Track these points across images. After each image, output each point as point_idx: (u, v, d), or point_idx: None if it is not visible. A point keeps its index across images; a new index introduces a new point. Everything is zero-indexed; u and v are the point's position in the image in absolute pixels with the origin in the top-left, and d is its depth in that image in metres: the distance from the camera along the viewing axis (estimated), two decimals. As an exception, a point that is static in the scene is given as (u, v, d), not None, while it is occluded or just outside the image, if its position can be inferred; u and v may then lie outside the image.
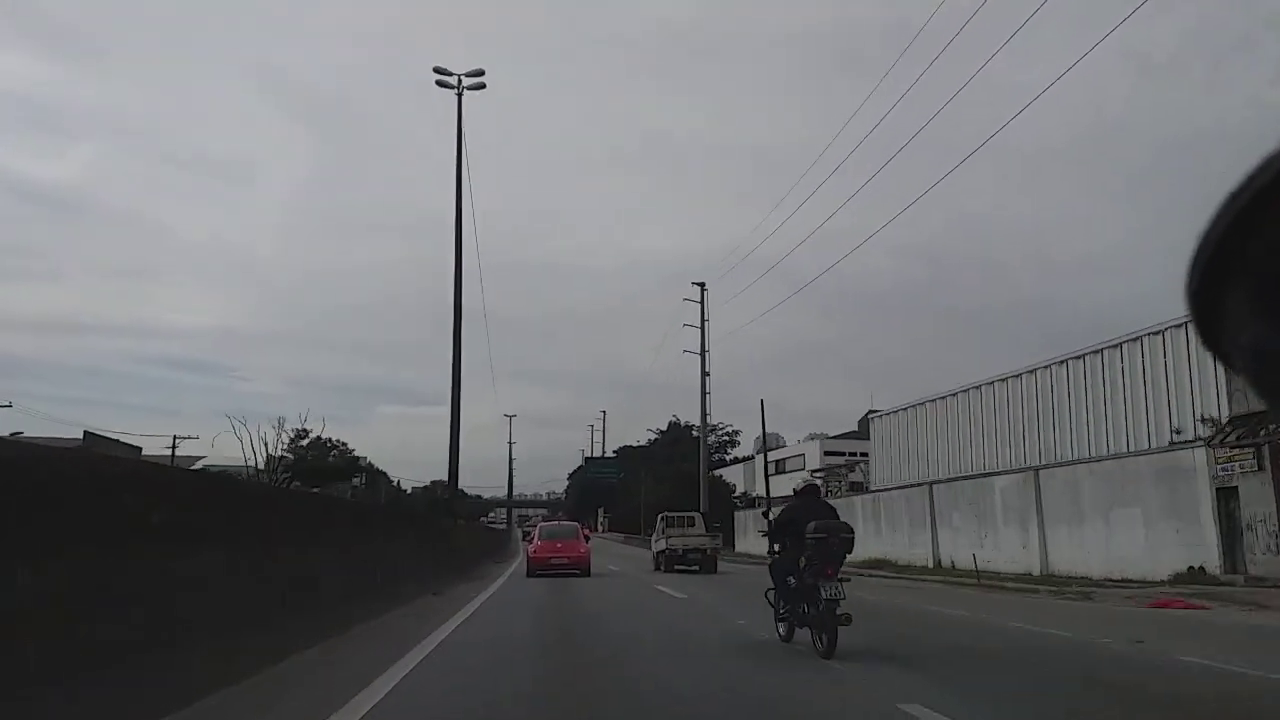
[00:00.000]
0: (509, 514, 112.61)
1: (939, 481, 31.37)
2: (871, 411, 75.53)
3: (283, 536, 8.30)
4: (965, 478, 30.09)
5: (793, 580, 9.21)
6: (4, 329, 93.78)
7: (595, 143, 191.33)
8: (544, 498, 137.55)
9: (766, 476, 44.77)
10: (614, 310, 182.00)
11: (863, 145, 77.94)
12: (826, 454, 66.97)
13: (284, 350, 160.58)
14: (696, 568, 27.85)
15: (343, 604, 9.60)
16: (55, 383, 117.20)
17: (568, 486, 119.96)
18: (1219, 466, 19.13)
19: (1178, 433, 22.90)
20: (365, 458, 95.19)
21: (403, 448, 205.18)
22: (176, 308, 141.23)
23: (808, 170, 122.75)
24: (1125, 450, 24.58)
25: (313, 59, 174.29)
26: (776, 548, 9.95)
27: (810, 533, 8.83)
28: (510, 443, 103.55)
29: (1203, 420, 22.11)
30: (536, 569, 23.70)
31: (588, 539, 27.50)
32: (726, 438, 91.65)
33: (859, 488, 54.61)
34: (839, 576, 8.66)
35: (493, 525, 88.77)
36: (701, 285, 59.10)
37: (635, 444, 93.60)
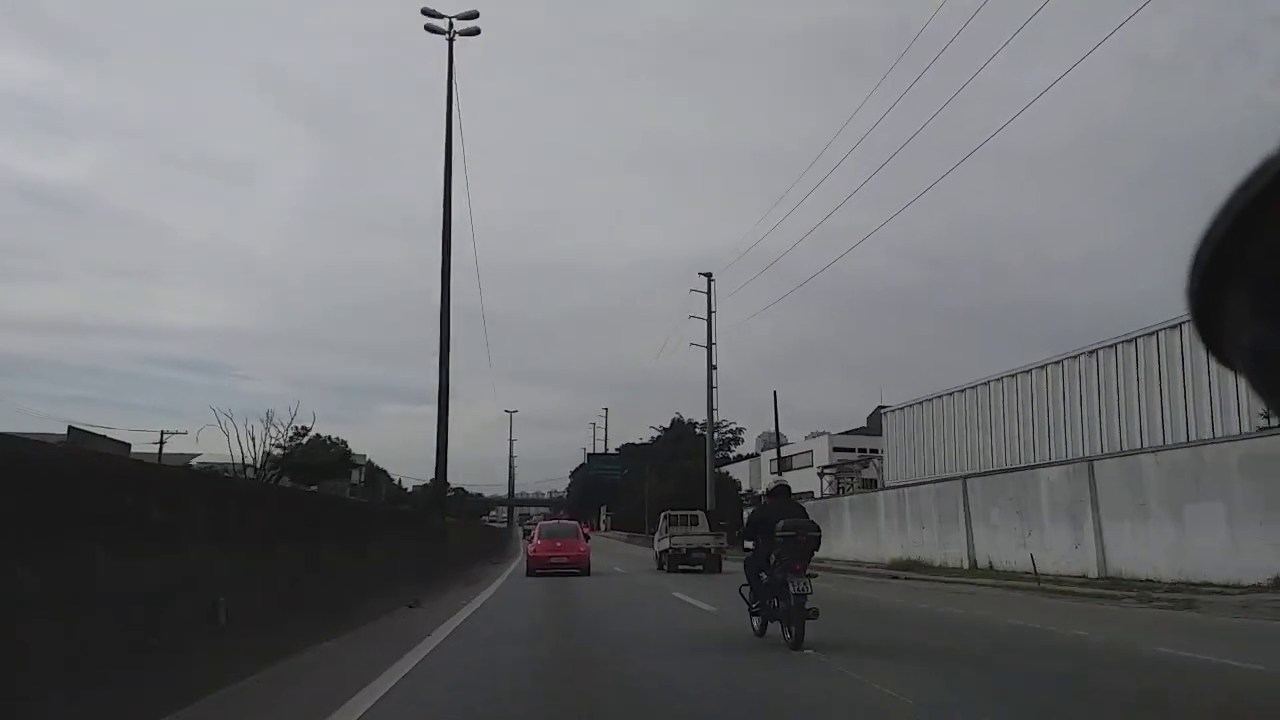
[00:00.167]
0: (510, 512, 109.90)
1: (974, 475, 28.55)
2: (882, 407, 72.93)
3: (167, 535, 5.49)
4: (1005, 471, 27.26)
5: (764, 576, 9.50)
6: (6, 329, 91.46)
7: (595, 143, 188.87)
8: (546, 496, 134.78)
9: (779, 471, 42.01)
10: (615, 310, 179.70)
11: (863, 145, 75.82)
12: (835, 450, 64.25)
13: (286, 350, 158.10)
14: (700, 567, 26.61)
15: (258, 633, 6.77)
16: (57, 383, 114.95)
17: (569, 485, 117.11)
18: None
19: (1266, 416, 20.09)
20: (365, 455, 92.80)
21: (405, 447, 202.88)
22: (178, 308, 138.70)
23: (807, 170, 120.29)
24: (1199, 438, 21.79)
25: (313, 59, 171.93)
26: (750, 545, 10.26)
27: (780, 530, 9.12)
28: (511, 440, 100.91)
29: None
30: (536, 568, 23.35)
31: (587, 538, 26.81)
32: (730, 435, 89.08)
33: (871, 484, 51.95)
34: (807, 573, 8.97)
35: (493, 524, 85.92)
36: (709, 276, 56.42)
37: (638, 441, 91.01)
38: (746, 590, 10.08)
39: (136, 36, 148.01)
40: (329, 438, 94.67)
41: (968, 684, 6.97)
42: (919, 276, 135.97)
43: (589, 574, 23.44)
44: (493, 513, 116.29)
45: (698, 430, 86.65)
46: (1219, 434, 22.07)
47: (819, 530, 9.50)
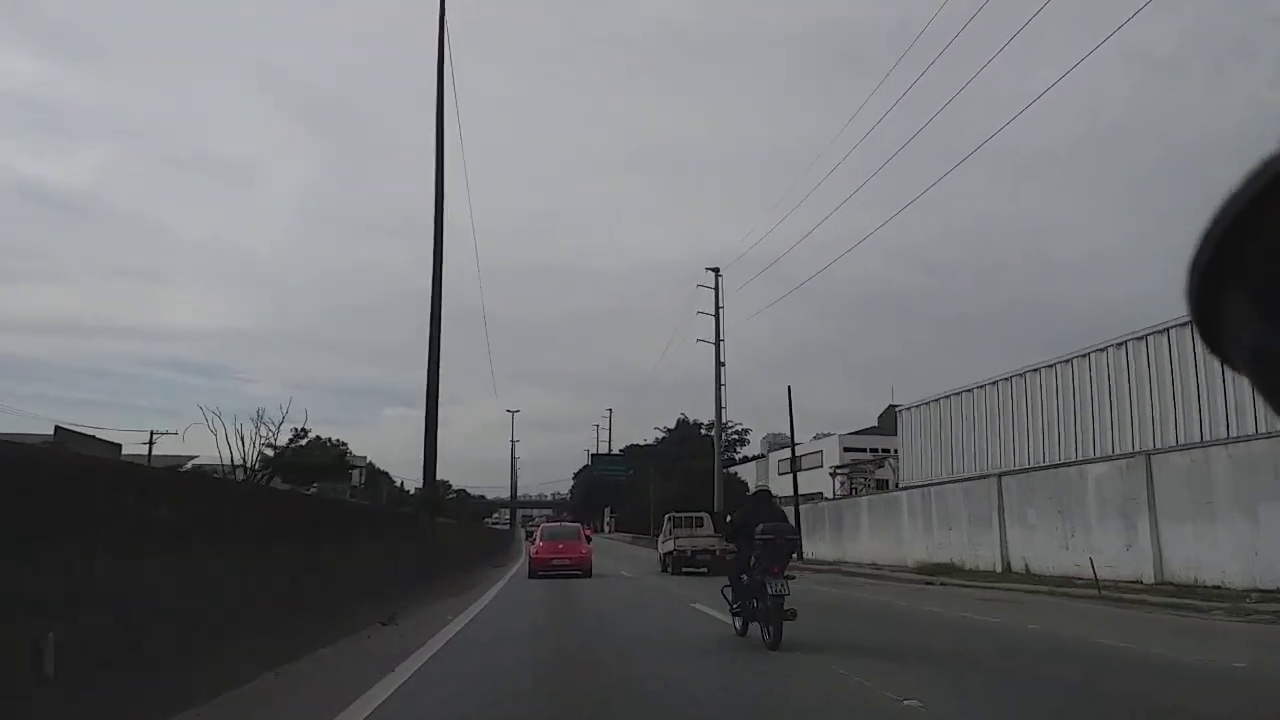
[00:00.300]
0: (512, 514, 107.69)
1: (1009, 473, 26.29)
2: (893, 405, 70.69)
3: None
4: (1045, 468, 25.02)
5: (745, 578, 9.62)
6: (8, 330, 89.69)
7: (596, 144, 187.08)
8: (549, 498, 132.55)
9: (794, 472, 39.89)
10: (618, 312, 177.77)
11: (864, 147, 74.10)
12: (845, 450, 62.01)
13: (287, 352, 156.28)
14: (705, 570, 25.67)
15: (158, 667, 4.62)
16: (59, 384, 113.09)
17: (573, 486, 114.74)
18: None
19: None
20: (365, 457, 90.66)
21: (407, 449, 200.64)
22: (179, 309, 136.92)
23: (807, 171, 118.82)
24: (1274, 429, 19.54)
25: (313, 59, 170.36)
26: (733, 547, 10.31)
27: (759, 534, 9.26)
28: (513, 441, 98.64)
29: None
30: (538, 570, 23.14)
31: (589, 539, 26.66)
32: (736, 436, 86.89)
33: (883, 485, 49.75)
34: (785, 574, 9.11)
35: (495, 526, 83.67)
36: (716, 271, 54.30)
37: (642, 443, 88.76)
38: (728, 591, 10.23)
39: (137, 37, 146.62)
40: (329, 439, 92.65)
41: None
42: (920, 278, 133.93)
43: (590, 576, 23.14)
44: (495, 515, 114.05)
45: (703, 431, 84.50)
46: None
47: (797, 534, 10.06)
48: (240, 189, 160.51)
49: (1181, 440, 22.85)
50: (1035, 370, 31.06)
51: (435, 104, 20.96)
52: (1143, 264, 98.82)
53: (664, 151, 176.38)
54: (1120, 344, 27.03)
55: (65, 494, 4.46)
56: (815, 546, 37.40)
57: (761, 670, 7.68)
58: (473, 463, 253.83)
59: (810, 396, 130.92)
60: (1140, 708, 6.21)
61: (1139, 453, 21.45)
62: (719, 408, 53.69)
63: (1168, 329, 24.71)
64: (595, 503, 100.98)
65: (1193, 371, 23.70)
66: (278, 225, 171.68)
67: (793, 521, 35.74)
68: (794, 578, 9.47)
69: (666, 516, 30.42)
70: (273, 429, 37.13)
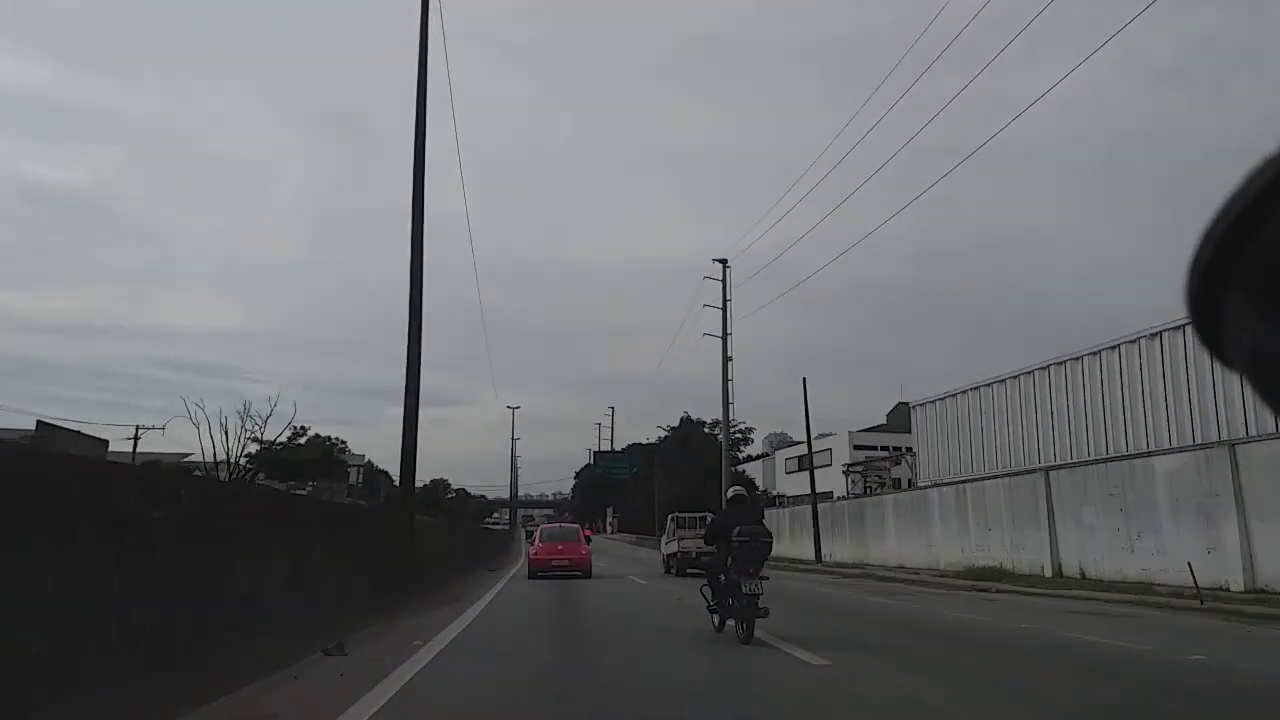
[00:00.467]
0: (512, 514, 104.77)
1: (1059, 466, 23.44)
2: (903, 402, 67.81)
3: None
4: (1103, 460, 22.17)
5: (723, 577, 9.91)
6: (19, 331, 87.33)
7: (601, 147, 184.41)
8: (549, 498, 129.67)
9: (810, 469, 37.08)
10: (621, 312, 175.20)
11: (865, 148, 71.34)
12: (856, 448, 59.14)
13: (294, 353, 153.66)
14: None
15: None
16: (64, 384, 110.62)
17: (574, 485, 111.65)
18: None
19: None
20: (364, 456, 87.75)
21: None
22: (187, 311, 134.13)
23: (809, 172, 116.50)
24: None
25: (322, 66, 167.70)
26: (713, 547, 10.51)
27: (735, 536, 9.58)
28: (514, 439, 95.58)
29: None
30: (538, 571, 22.88)
31: (589, 540, 26.46)
32: (739, 435, 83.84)
33: (896, 483, 46.96)
34: (759, 575, 9.45)
35: (494, 526, 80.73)
36: (724, 262, 51.56)
37: (645, 441, 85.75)
38: (707, 590, 10.47)
39: (149, 43, 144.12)
40: (329, 438, 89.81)
41: None
42: (923, 276, 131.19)
43: (590, 576, 22.81)
44: (495, 515, 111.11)
45: (706, 429, 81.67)
46: None
47: (770, 536, 10.08)
48: (247, 191, 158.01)
49: (1264, 430, 19.96)
50: (1077, 358, 28.19)
51: (417, 72, 18.32)
52: (1145, 264, 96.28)
53: (670, 155, 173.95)
54: (1178, 327, 24.22)
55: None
56: (834, 547, 34.55)
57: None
58: (473, 463, 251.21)
59: (812, 396, 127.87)
60: None
61: (1221, 442, 18.64)
62: (726, 403, 50.86)
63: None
64: (597, 502, 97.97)
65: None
66: (284, 227, 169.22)
67: (812, 521, 32.71)
68: (768, 578, 9.76)
69: (670, 517, 29.12)
70: (260, 422, 34.31)
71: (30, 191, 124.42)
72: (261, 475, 37.41)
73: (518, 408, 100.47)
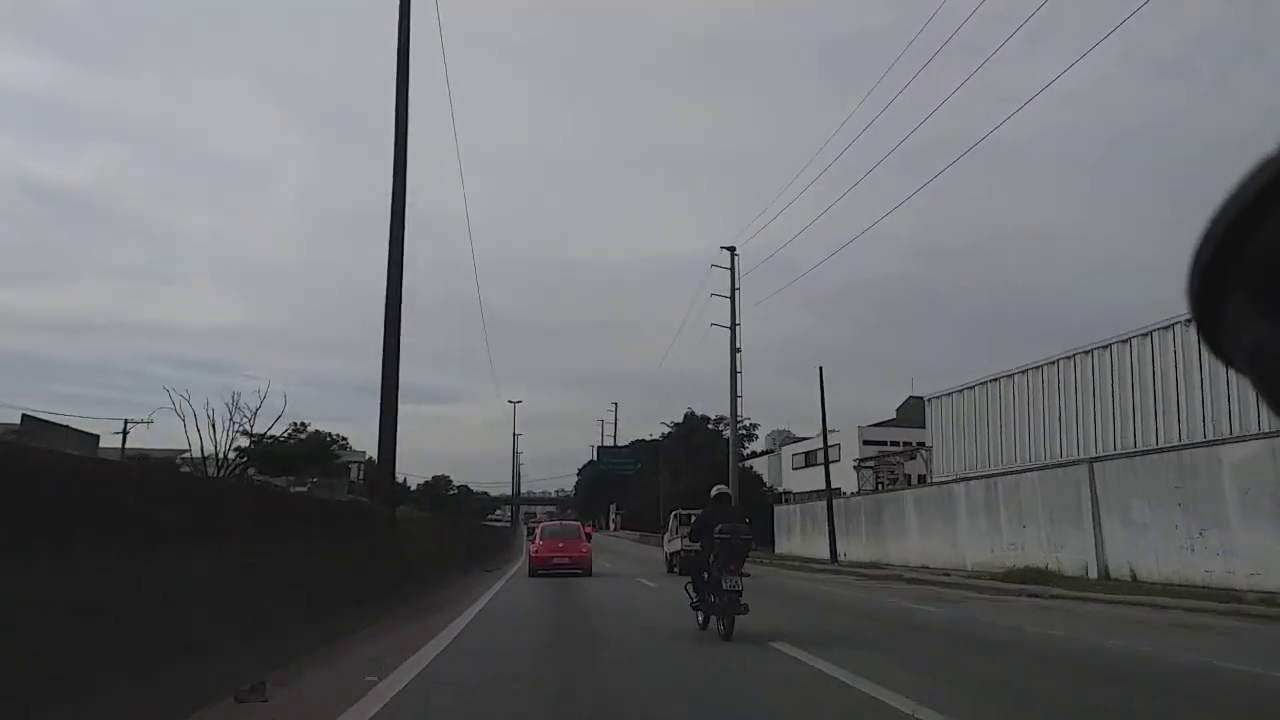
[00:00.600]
0: (514, 510, 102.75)
1: (1106, 458, 21.33)
2: (913, 396, 65.69)
3: None
4: (1157, 451, 20.03)
5: (706, 574, 9.88)
6: (20, 329, 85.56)
7: (601, 145, 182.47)
8: (553, 495, 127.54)
9: (826, 464, 34.97)
10: (623, 310, 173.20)
11: (866, 148, 69.51)
12: (866, 443, 57.02)
13: (295, 350, 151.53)
14: None
15: None
16: (67, 381, 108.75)
17: (577, 482, 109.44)
18: None
19: None
20: (365, 452, 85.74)
21: (411, 446, 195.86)
22: (187, 308, 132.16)
23: (803, 168, 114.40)
24: None
25: (322, 64, 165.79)
26: (698, 545, 10.45)
27: (717, 534, 9.62)
28: (515, 434, 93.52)
29: None
30: (538, 568, 22.56)
31: (589, 537, 26.46)
32: (744, 431, 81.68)
33: (906, 478, 44.88)
34: (740, 572, 9.44)
35: (495, 523, 78.61)
36: (731, 250, 49.50)
37: (648, 438, 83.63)
38: (690, 587, 10.46)
39: (149, 41, 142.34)
40: (329, 434, 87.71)
41: None
42: (925, 273, 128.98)
43: (590, 574, 22.40)
44: (498, 511, 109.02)
45: (711, 425, 79.57)
46: None
47: (751, 535, 10.16)
48: (248, 190, 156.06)
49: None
50: (1125, 341, 26.03)
51: (397, 48, 16.41)
52: (1147, 262, 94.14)
53: (672, 153, 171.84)
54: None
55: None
56: (849, 546, 32.47)
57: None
58: (476, 460, 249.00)
59: (814, 393, 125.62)
60: None
61: (1303, 428, 16.56)
62: (735, 396, 48.79)
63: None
64: (600, 499, 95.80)
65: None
66: (285, 225, 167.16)
67: (827, 518, 30.65)
68: (749, 575, 9.87)
69: (673, 514, 28.26)
70: (248, 415, 32.15)
71: (32, 189, 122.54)
72: (253, 470, 35.44)
73: (519, 401, 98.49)
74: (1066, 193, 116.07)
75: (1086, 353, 30.49)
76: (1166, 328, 23.80)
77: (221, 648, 5.44)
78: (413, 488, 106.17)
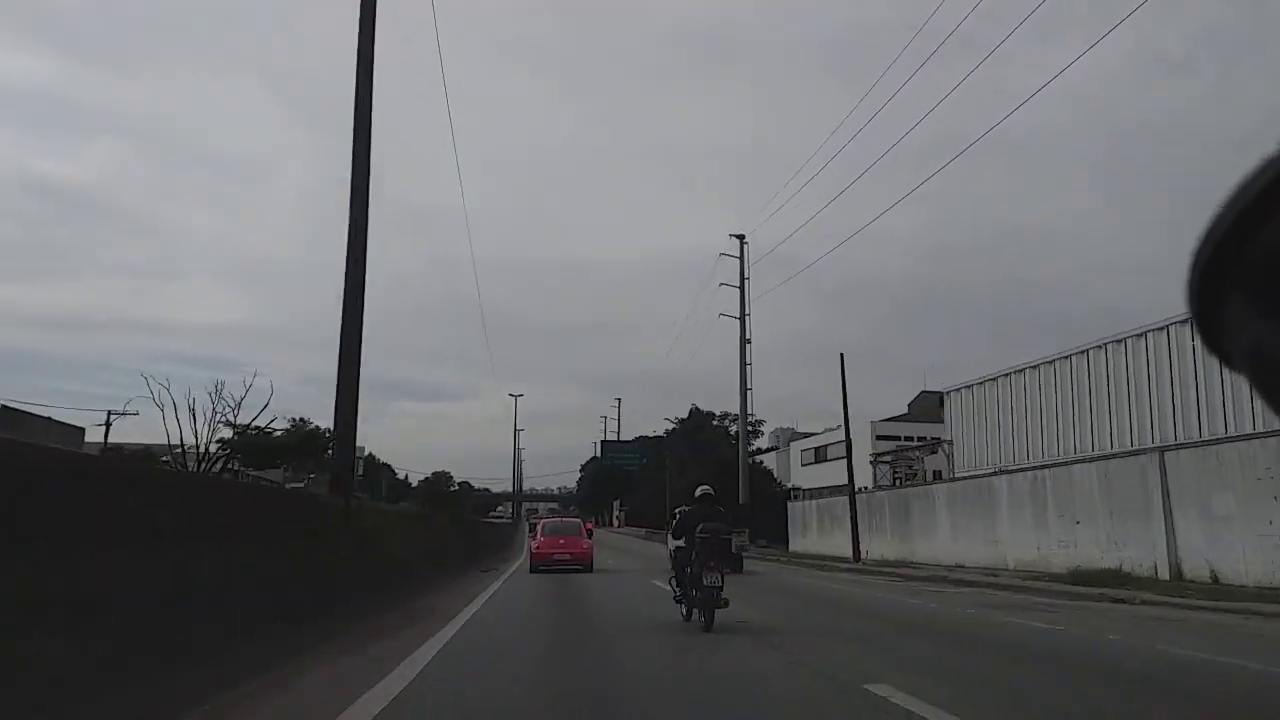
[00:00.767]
0: (516, 506, 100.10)
1: (1179, 446, 18.66)
2: (926, 390, 63.04)
3: None
4: (1246, 437, 17.33)
5: (689, 570, 10.17)
6: (22, 326, 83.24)
7: (606, 143, 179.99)
8: (555, 491, 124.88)
9: (849, 455, 32.32)
10: (625, 308, 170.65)
11: (869, 145, 67.14)
12: (879, 438, 54.33)
13: (296, 348, 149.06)
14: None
15: None
16: (69, 378, 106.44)
17: (580, 478, 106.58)
18: None
19: None
20: (364, 447, 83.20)
21: (413, 443, 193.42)
22: (190, 305, 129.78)
23: (803, 163, 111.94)
24: None
25: (323, 63, 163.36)
26: (681, 542, 10.81)
27: (699, 532, 10.07)
28: (516, 430, 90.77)
29: None
30: (540, 565, 22.24)
31: (590, 534, 26.16)
32: (750, 427, 78.93)
33: (921, 476, 42.30)
34: (720, 569, 9.74)
35: (498, 520, 75.96)
36: (741, 238, 46.93)
37: (652, 434, 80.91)
38: (673, 582, 10.93)
39: (150, 39, 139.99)
40: (329, 430, 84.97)
41: None
42: (925, 270, 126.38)
43: (591, 570, 21.96)
44: (499, 508, 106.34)
45: (716, 422, 76.98)
46: None
47: (731, 533, 10.73)
48: (248, 188, 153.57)
49: None
50: (1185, 322, 23.26)
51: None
52: (1149, 261, 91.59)
53: (675, 151, 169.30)
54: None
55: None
56: (872, 544, 29.84)
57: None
58: (478, 458, 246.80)
59: (820, 391, 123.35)
60: None
61: None
62: (744, 388, 46.25)
63: None
64: (603, 495, 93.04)
65: None
66: (285, 223, 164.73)
67: (850, 514, 28.21)
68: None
69: (676, 510, 24.32)
70: (232, 405, 29.41)
71: (34, 186, 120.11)
72: (236, 463, 32.81)
73: (521, 395, 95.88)
74: (1072, 188, 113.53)
75: (1139, 336, 27.89)
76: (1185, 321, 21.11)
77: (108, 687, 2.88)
78: (414, 484, 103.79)
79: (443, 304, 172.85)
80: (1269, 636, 9.85)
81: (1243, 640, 9.32)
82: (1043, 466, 23.15)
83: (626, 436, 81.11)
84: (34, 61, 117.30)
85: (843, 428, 61.55)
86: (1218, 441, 18.01)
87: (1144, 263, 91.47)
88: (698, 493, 11.15)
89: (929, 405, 61.18)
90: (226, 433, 31.45)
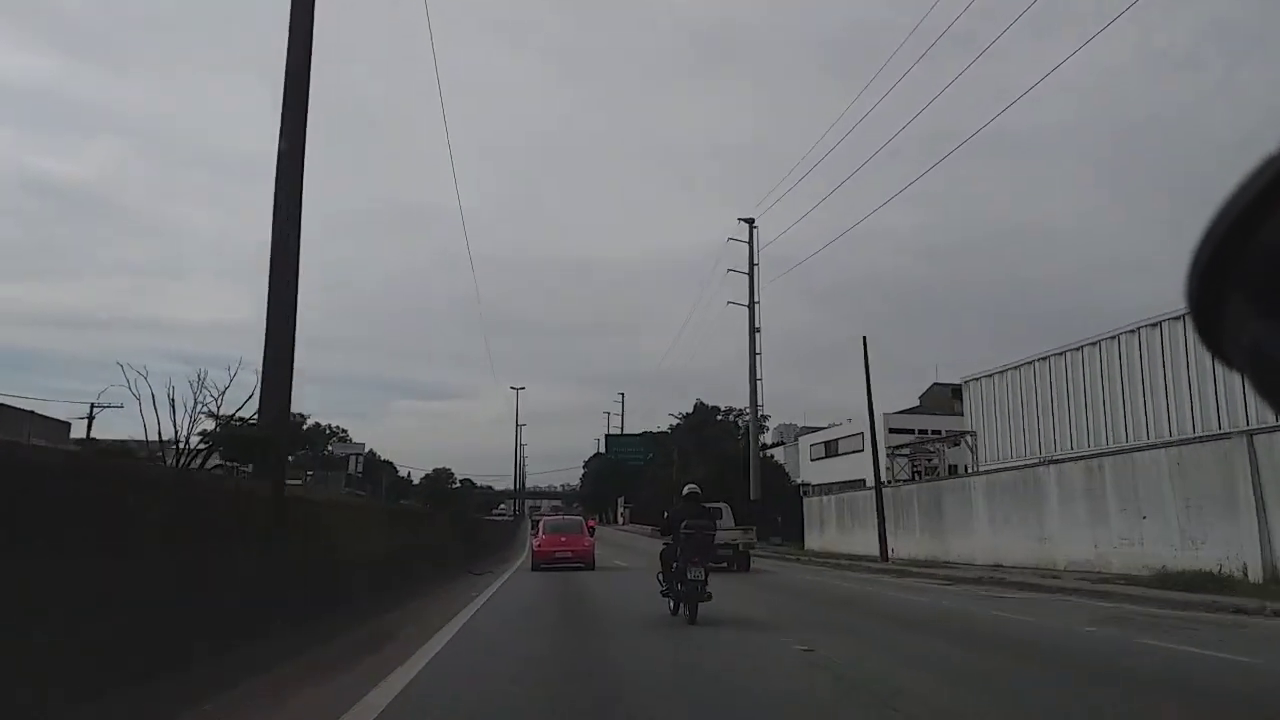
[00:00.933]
0: (519, 503, 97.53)
1: (1270, 429, 16.10)
2: (937, 383, 60.45)
3: None
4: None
5: (675, 565, 10.42)
6: (23, 325, 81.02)
7: (608, 142, 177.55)
8: (559, 489, 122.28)
9: (874, 447, 29.85)
10: (627, 307, 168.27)
11: (865, 145, 64.78)
12: (892, 430, 51.70)
13: (299, 346, 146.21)
14: (725, 565, 21.23)
15: None
16: (71, 377, 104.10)
17: (583, 475, 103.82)
18: None
19: None
20: (364, 444, 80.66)
21: (415, 441, 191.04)
22: (191, 304, 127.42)
23: (800, 160, 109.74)
24: None
25: (326, 59, 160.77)
26: (669, 539, 10.92)
27: (684, 529, 10.41)
28: (518, 425, 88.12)
29: None
30: (541, 563, 21.95)
31: (592, 531, 25.98)
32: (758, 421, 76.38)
33: (941, 469, 39.85)
34: (704, 564, 10.14)
35: (500, 517, 73.40)
36: (750, 222, 44.55)
37: (656, 430, 78.29)
38: (660, 576, 10.93)
39: (152, 37, 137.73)
40: (329, 426, 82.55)
41: None
42: (926, 272, 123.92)
43: (594, 568, 21.64)
44: (501, 506, 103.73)
45: (721, 417, 74.48)
46: None
47: (715, 529, 11.05)
48: (249, 186, 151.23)
49: None
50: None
51: None
52: (1151, 260, 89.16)
53: (676, 149, 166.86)
54: None
55: None
56: (901, 541, 27.30)
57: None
58: (481, 456, 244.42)
59: (817, 391, 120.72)
60: None
61: None
62: (754, 379, 43.80)
63: None
64: (607, 492, 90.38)
65: None
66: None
67: (876, 509, 26.06)
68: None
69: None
70: (214, 394, 27.01)
71: (35, 185, 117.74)
72: (216, 457, 30.42)
73: (522, 388, 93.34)
74: (1076, 186, 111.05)
75: (1176, 319, 25.44)
76: None
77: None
78: (416, 482, 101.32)
79: (444, 304, 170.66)
80: None
81: None
82: (1099, 454, 20.60)
83: (636, 430, 78.55)
84: (34, 60, 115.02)
85: (851, 422, 59.14)
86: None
87: (1148, 261, 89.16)
88: (685, 491, 11.50)
89: (941, 397, 58.62)
90: (209, 425, 28.96)
